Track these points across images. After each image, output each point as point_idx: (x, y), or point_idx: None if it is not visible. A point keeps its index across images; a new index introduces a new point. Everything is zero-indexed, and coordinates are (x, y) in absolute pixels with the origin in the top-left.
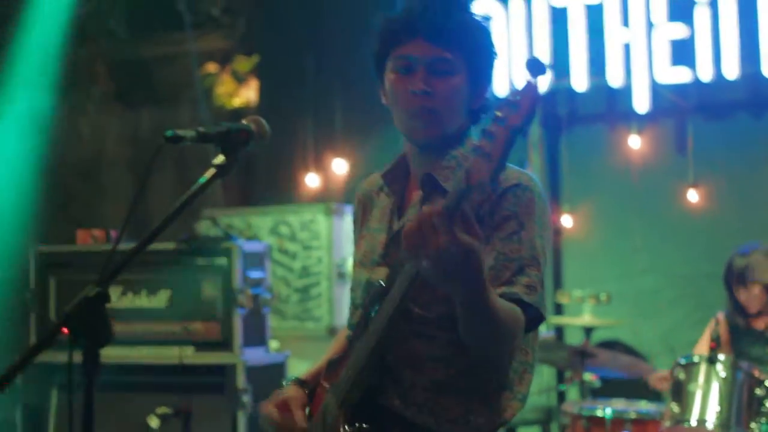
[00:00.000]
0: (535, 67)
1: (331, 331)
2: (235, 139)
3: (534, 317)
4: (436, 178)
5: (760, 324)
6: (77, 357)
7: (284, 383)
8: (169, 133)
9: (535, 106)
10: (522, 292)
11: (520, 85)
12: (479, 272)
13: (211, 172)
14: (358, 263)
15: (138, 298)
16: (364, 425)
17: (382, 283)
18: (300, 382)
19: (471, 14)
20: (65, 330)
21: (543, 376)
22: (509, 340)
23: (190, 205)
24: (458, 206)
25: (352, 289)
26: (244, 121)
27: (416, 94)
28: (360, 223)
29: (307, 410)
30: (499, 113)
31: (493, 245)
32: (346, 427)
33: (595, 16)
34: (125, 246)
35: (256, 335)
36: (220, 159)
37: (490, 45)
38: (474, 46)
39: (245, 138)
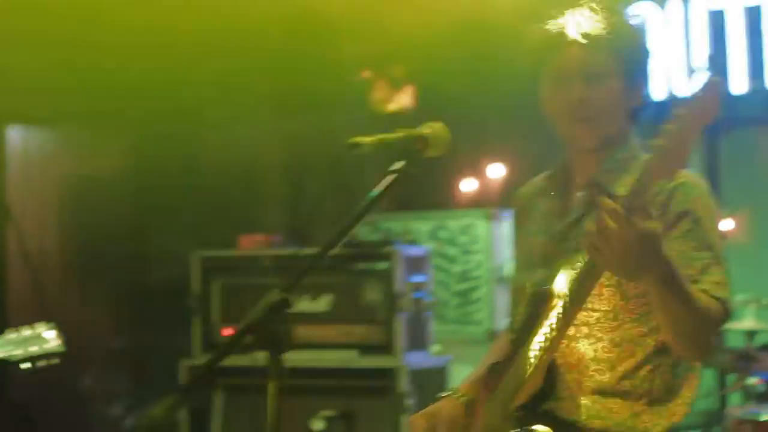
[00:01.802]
0: (716, 64)
1: (491, 335)
2: (414, 145)
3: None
4: (600, 182)
5: None
6: (248, 360)
7: (442, 394)
8: (350, 140)
9: (717, 104)
10: (711, 289)
11: (700, 83)
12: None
13: (390, 178)
14: (519, 266)
15: (301, 302)
16: (529, 429)
17: (546, 286)
18: (457, 394)
19: (621, 17)
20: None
21: (704, 379)
22: (712, 325)
23: (371, 211)
24: (636, 203)
25: (514, 292)
26: (423, 127)
27: (573, 103)
28: (521, 226)
29: (460, 424)
30: (679, 111)
31: (669, 245)
32: None
33: (753, 17)
34: (287, 251)
35: (418, 339)
36: (399, 165)
37: (643, 45)
38: (627, 49)
39: (424, 144)
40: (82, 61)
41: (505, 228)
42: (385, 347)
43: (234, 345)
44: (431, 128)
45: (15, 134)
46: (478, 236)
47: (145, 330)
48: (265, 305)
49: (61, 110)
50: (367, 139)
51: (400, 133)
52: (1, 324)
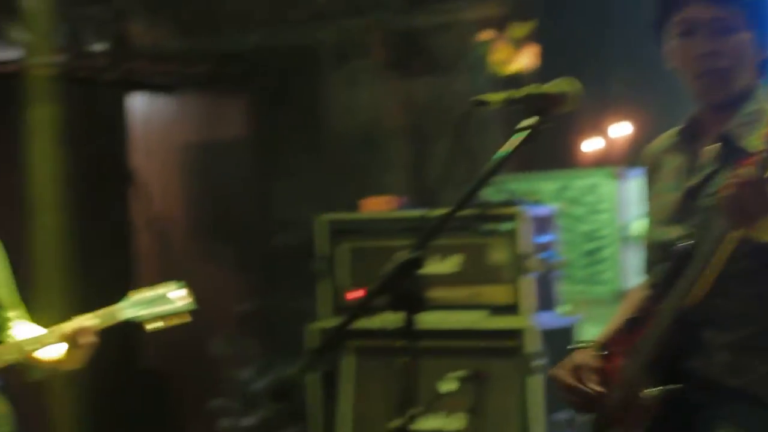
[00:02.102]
0: None
1: (619, 295)
2: (544, 101)
3: None
4: (732, 136)
5: None
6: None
7: (575, 346)
8: (476, 98)
9: None
10: None
11: None
12: None
13: (520, 135)
14: (653, 223)
15: (431, 263)
16: (667, 387)
17: (682, 242)
18: (593, 346)
19: None
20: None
21: None
22: None
23: (501, 170)
24: None
25: (647, 249)
26: (552, 83)
27: (701, 57)
28: (652, 183)
29: (601, 374)
30: None
31: None
32: (648, 390)
33: None
34: (414, 212)
35: (546, 299)
36: (529, 122)
37: None
38: (755, 1)
39: (555, 100)
40: (202, 26)
41: (631, 187)
42: (513, 308)
43: (366, 306)
44: (561, 84)
45: (137, 101)
46: (604, 195)
47: (272, 294)
48: (398, 265)
49: (182, 76)
50: (495, 97)
51: (529, 90)
52: (131, 285)
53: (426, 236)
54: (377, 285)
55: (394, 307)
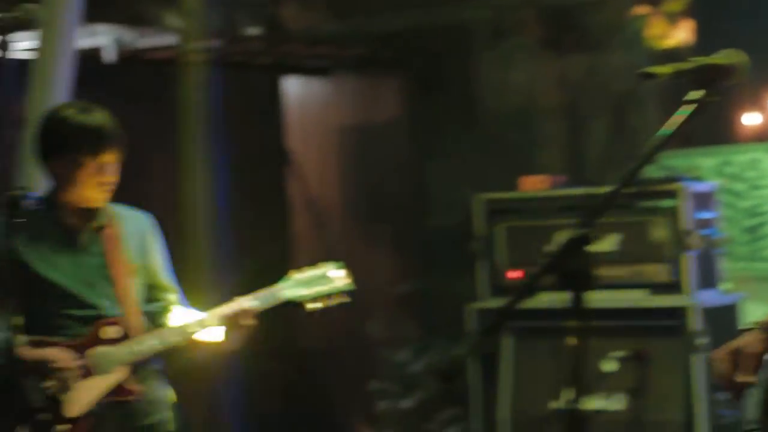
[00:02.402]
0: None
1: None
2: (712, 73)
3: None
4: None
5: None
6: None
7: (745, 327)
8: (643, 70)
9: None
10: None
11: None
12: None
13: (688, 108)
14: None
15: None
16: None
17: None
18: (760, 327)
19: None
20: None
21: None
22: None
23: (668, 144)
24: None
25: None
26: (722, 54)
27: None
28: None
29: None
30: None
31: None
32: None
33: None
34: (575, 191)
35: (708, 277)
36: (697, 95)
37: None
38: None
39: (722, 72)
40: (356, 9)
41: None
42: (674, 286)
43: (533, 285)
44: (729, 55)
45: (292, 85)
46: (765, 171)
47: (429, 275)
48: (566, 243)
49: (336, 59)
50: (662, 69)
51: (698, 61)
52: (289, 267)
53: (593, 213)
54: (545, 263)
55: (561, 286)
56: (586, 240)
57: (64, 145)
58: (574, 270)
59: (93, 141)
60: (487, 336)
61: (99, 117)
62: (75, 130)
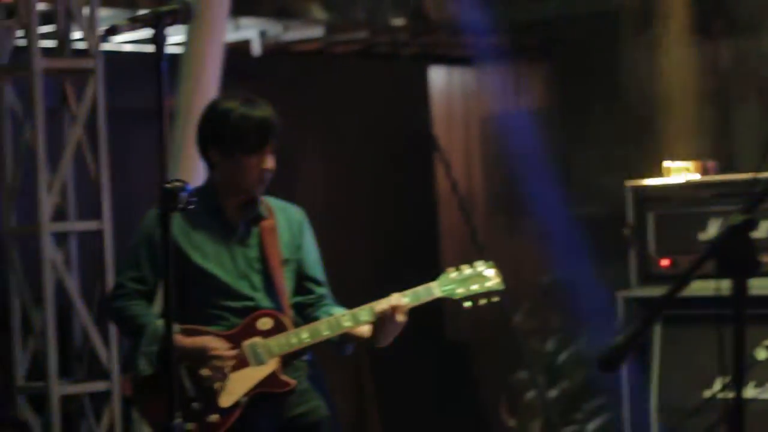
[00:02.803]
0: None
1: None
2: None
3: None
4: None
5: None
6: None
7: None
8: None
9: None
10: None
11: None
12: None
13: None
14: None
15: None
16: None
17: None
18: None
19: None
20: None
21: None
22: None
23: None
24: None
25: None
26: None
27: None
28: None
29: None
30: None
31: None
32: None
33: None
34: (721, 178)
35: None
36: None
37: None
38: None
39: None
40: None
41: None
42: None
43: (694, 272)
44: None
45: (437, 75)
46: None
47: (574, 265)
48: (728, 229)
49: (481, 48)
50: None
51: None
52: (435, 257)
53: (755, 199)
54: (706, 250)
55: (722, 273)
56: (749, 226)
57: (226, 136)
58: (737, 257)
59: (256, 133)
60: (648, 325)
61: (262, 110)
62: (238, 123)
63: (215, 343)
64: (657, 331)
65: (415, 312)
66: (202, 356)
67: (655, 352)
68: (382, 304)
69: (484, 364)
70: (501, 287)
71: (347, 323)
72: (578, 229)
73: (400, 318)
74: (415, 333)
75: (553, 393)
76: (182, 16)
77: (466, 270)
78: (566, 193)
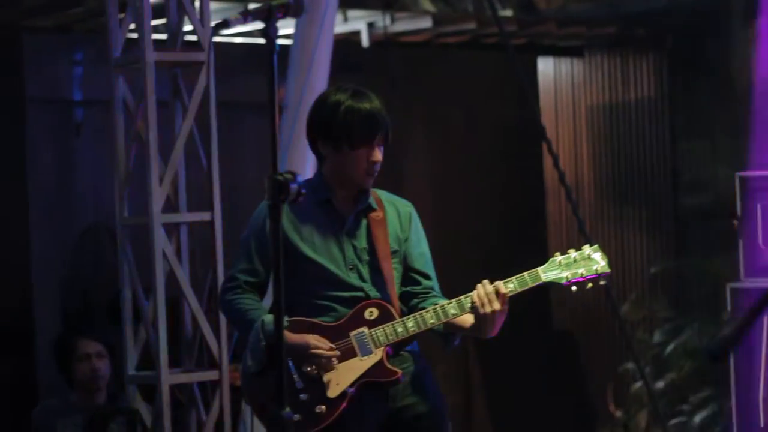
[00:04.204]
0: None
1: None
2: None
3: None
4: None
5: None
6: None
7: None
8: None
9: None
10: None
11: None
12: None
13: None
14: None
15: None
16: None
17: None
18: None
19: None
20: None
21: None
22: None
23: None
24: None
25: None
26: None
27: None
28: None
29: None
30: None
31: None
32: None
33: None
34: None
35: None
36: None
37: None
38: None
39: None
40: None
41: None
42: None
43: None
44: None
45: (545, 64)
46: None
47: (682, 255)
48: None
49: (589, 39)
50: None
51: None
52: (543, 248)
53: None
54: None
55: None
56: None
57: (334, 130)
58: None
59: (365, 126)
60: (756, 315)
61: (370, 102)
62: (346, 116)
63: (317, 342)
64: (765, 321)
65: (521, 302)
66: (304, 354)
67: (764, 343)
68: (486, 292)
69: (590, 355)
70: (607, 270)
71: (453, 311)
72: (686, 220)
73: (503, 307)
74: (522, 323)
75: (659, 384)
76: (293, 9)
77: (572, 254)
78: (674, 183)
